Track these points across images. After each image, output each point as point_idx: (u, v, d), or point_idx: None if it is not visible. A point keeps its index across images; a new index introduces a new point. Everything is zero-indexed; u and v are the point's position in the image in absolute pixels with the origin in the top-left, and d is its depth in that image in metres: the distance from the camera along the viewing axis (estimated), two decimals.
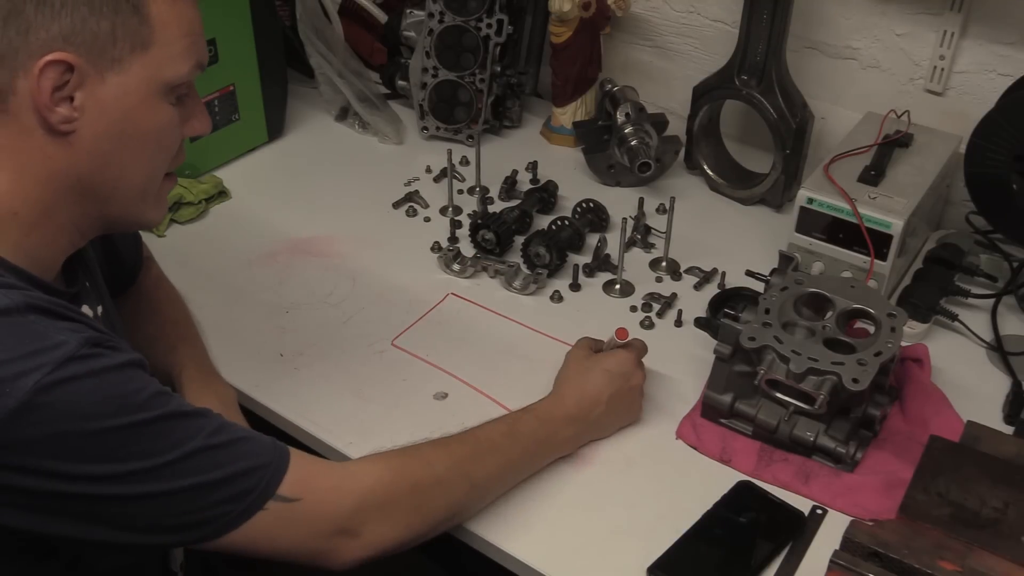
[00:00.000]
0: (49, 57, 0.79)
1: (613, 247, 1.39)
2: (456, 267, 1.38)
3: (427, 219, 1.51)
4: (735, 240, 1.46)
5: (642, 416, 1.15)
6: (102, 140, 0.84)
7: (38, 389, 0.74)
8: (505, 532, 1.02)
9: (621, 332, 1.14)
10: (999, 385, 1.20)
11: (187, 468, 0.81)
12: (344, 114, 1.75)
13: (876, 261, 1.26)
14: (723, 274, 1.38)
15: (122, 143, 0.85)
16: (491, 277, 1.38)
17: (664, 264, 1.40)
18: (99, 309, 0.97)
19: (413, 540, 0.94)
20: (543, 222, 1.45)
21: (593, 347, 1.16)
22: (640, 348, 1.16)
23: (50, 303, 0.80)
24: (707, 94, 1.53)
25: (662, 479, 1.08)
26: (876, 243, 1.25)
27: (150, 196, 0.92)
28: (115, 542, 0.81)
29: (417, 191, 1.55)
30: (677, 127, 1.61)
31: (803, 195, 1.29)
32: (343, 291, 1.35)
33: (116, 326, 1.02)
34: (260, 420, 1.17)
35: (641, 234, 1.45)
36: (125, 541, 0.81)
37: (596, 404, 1.09)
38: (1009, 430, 1.12)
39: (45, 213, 0.85)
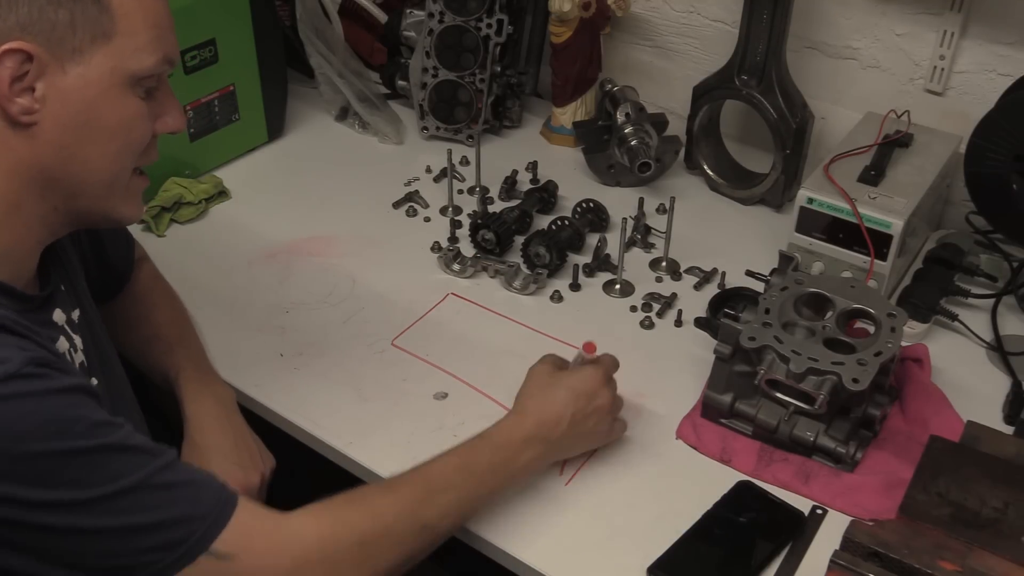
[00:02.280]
0: (6, 46, 0.78)
1: (613, 247, 1.39)
2: (456, 267, 1.38)
3: (427, 219, 1.51)
4: (735, 240, 1.46)
5: (619, 437, 1.11)
6: (65, 132, 0.83)
7: None
8: (505, 532, 1.02)
9: (588, 346, 1.08)
10: (999, 385, 1.20)
11: (119, 506, 0.77)
12: (344, 114, 1.75)
13: (876, 261, 1.26)
14: (723, 274, 1.38)
15: (85, 135, 0.84)
16: (491, 277, 1.38)
17: (664, 264, 1.40)
18: (75, 314, 0.95)
19: None
20: (543, 222, 1.45)
21: (558, 364, 1.10)
22: (609, 364, 1.09)
23: (2, 317, 0.77)
24: (707, 94, 1.53)
25: (662, 479, 1.08)
26: (876, 243, 1.25)
27: (118, 191, 0.89)
28: (32, 575, 0.77)
29: (417, 191, 1.55)
30: (677, 127, 1.61)
31: (803, 195, 1.29)
32: (343, 291, 1.35)
33: (96, 330, 1.00)
34: (260, 420, 1.17)
35: (641, 234, 1.45)
36: (43, 575, 0.77)
37: (558, 424, 1.03)
38: (1009, 430, 1.12)
39: (10, 208, 0.84)
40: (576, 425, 1.04)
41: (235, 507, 0.83)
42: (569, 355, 1.23)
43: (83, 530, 0.76)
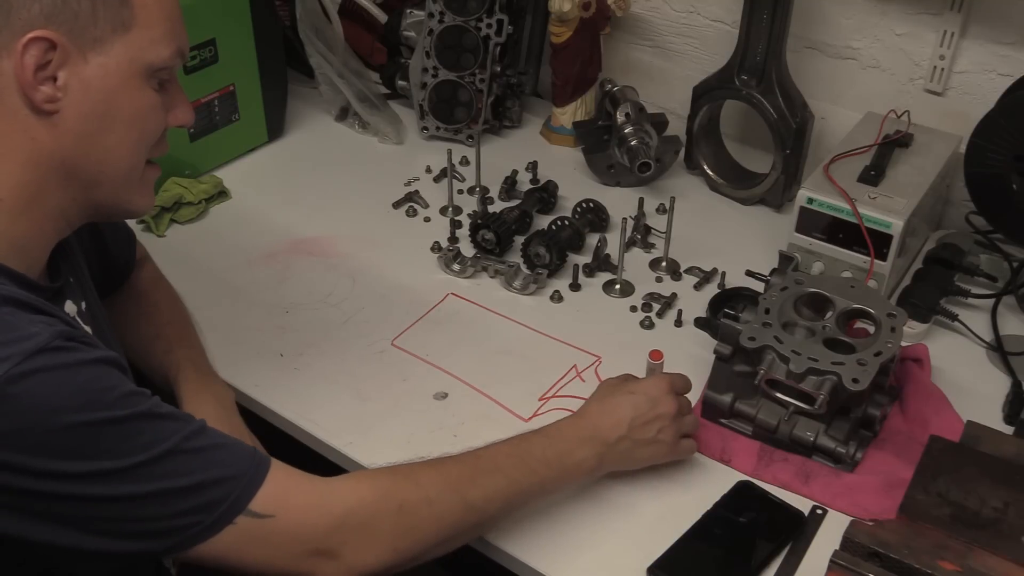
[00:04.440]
0: (31, 34, 0.80)
1: (613, 247, 1.39)
2: (456, 267, 1.38)
3: (427, 219, 1.51)
4: (735, 240, 1.46)
5: (687, 456, 1.08)
6: (86, 121, 0.84)
7: (6, 380, 0.72)
8: (506, 532, 1.01)
9: (655, 354, 1.08)
10: (999, 385, 1.20)
11: (155, 472, 0.78)
12: (344, 114, 1.75)
13: (876, 261, 1.26)
14: (723, 274, 1.38)
15: (105, 125, 0.86)
16: (491, 277, 1.38)
17: (664, 264, 1.40)
18: (83, 305, 0.97)
19: (402, 564, 0.89)
20: (543, 222, 1.45)
21: (629, 378, 1.09)
22: (676, 378, 1.07)
23: (27, 297, 0.79)
24: (707, 94, 1.53)
25: (662, 479, 1.08)
26: (876, 243, 1.25)
27: (134, 182, 0.91)
28: (76, 546, 0.79)
29: (417, 191, 1.55)
30: (677, 127, 1.61)
31: (803, 195, 1.29)
32: (343, 291, 1.35)
33: (101, 322, 1.01)
34: (260, 420, 1.17)
35: (641, 234, 1.45)
36: (86, 546, 0.79)
37: (616, 427, 1.01)
38: (1009, 430, 1.12)
39: (31, 199, 0.85)
40: (636, 431, 1.02)
41: (269, 468, 0.84)
42: (568, 355, 1.23)
43: (121, 497, 0.78)
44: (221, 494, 0.81)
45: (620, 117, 1.54)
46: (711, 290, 1.36)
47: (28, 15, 0.80)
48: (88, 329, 0.95)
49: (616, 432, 1.01)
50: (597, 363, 1.24)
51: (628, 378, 1.09)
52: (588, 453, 1.00)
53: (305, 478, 0.88)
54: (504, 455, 0.97)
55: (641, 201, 1.48)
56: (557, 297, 1.35)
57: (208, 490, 0.80)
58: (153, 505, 0.79)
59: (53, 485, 0.75)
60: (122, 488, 0.77)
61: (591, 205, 1.47)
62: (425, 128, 1.70)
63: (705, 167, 1.58)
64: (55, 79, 0.82)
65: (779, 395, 1.06)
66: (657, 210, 1.52)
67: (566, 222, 1.42)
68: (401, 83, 1.76)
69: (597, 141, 1.59)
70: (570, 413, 1.06)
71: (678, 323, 1.30)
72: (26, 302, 0.79)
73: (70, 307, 0.94)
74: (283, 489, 0.84)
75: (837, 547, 0.93)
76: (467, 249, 1.42)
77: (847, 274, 1.28)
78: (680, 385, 1.08)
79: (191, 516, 0.80)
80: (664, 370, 1.10)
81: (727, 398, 1.12)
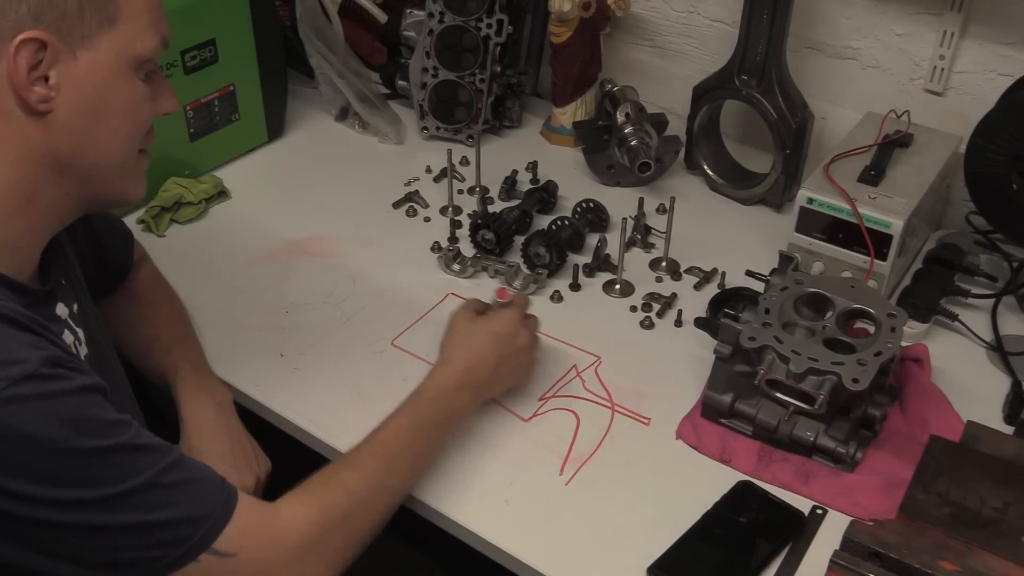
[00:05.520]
0: (23, 36, 0.80)
1: (613, 247, 1.39)
2: (456, 267, 1.38)
3: (427, 219, 1.51)
4: (735, 240, 1.46)
5: (530, 379, 1.18)
6: (79, 117, 0.85)
7: None
8: (506, 532, 1.02)
9: (501, 292, 1.19)
10: (999, 385, 1.20)
11: (129, 504, 0.79)
12: (344, 114, 1.75)
13: (876, 261, 1.26)
14: (723, 274, 1.38)
15: (98, 119, 0.86)
16: (491, 277, 1.38)
17: (664, 264, 1.40)
18: (74, 307, 0.97)
19: (344, 567, 0.93)
20: (543, 222, 1.45)
21: (478, 309, 1.17)
22: (523, 304, 1.17)
23: (15, 312, 0.78)
24: (707, 94, 1.53)
25: (662, 479, 1.08)
26: (876, 243, 1.25)
27: (128, 172, 0.92)
28: (39, 570, 0.79)
29: (417, 191, 1.55)
30: (677, 127, 1.61)
31: (803, 195, 1.29)
32: (343, 291, 1.35)
33: (93, 324, 1.01)
34: (260, 420, 1.17)
35: (641, 234, 1.45)
36: (49, 571, 0.79)
37: (483, 367, 1.10)
38: (1009, 430, 1.12)
39: (25, 198, 0.85)
40: (501, 366, 1.11)
41: (235, 505, 0.85)
42: (568, 355, 1.23)
43: (93, 527, 0.78)
44: (189, 532, 0.81)
45: (620, 117, 1.54)
46: (711, 290, 1.36)
47: (16, 16, 0.80)
48: (81, 332, 0.95)
49: (484, 373, 1.10)
50: (597, 363, 1.24)
51: (478, 309, 1.17)
52: (466, 398, 1.09)
53: (263, 512, 0.89)
54: (404, 430, 1.02)
55: (641, 201, 1.48)
56: (557, 297, 1.35)
57: (178, 527, 0.81)
58: (122, 536, 0.79)
59: (27, 509, 0.75)
60: (94, 518, 0.78)
61: (591, 205, 1.47)
62: (425, 128, 1.70)
63: (705, 167, 1.58)
64: (47, 79, 0.82)
65: (779, 395, 1.06)
66: (657, 210, 1.52)
67: (566, 222, 1.42)
68: (401, 83, 1.76)
69: (597, 141, 1.59)
70: (433, 364, 1.11)
71: (678, 323, 1.30)
72: (14, 319, 0.78)
73: (61, 309, 0.93)
74: (246, 528, 0.85)
75: (837, 547, 0.94)
76: (467, 249, 1.42)
77: (847, 274, 1.28)
78: (525, 306, 1.18)
79: (158, 550, 0.80)
80: None
81: (727, 398, 1.12)
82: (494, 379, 1.11)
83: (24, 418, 0.74)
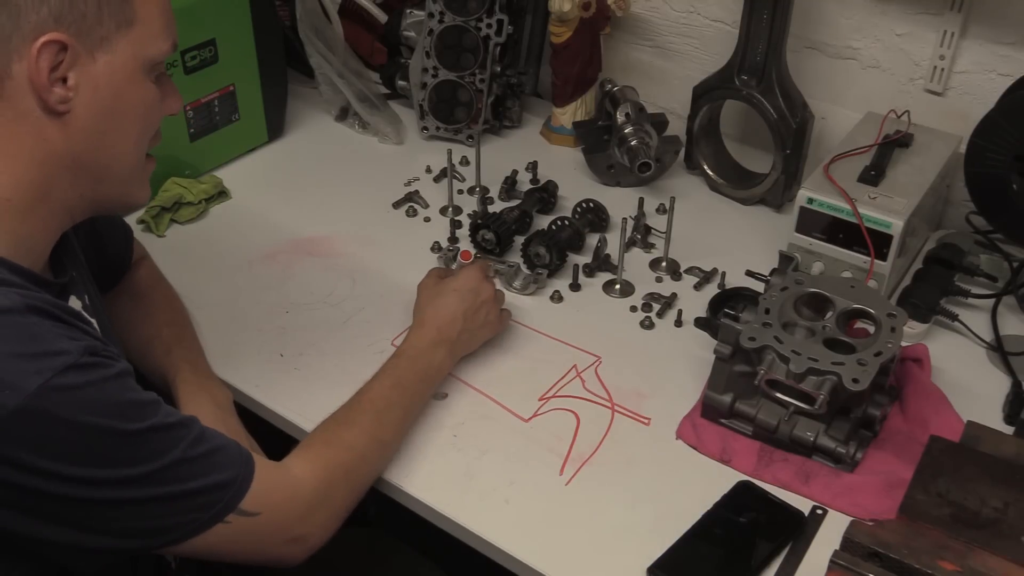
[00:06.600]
0: (45, 38, 0.81)
1: (613, 247, 1.39)
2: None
3: (427, 219, 1.51)
4: (735, 240, 1.46)
5: (507, 327, 1.25)
6: (96, 118, 0.86)
7: (39, 393, 0.75)
8: (506, 532, 1.02)
9: (465, 254, 1.29)
10: (999, 385, 1.20)
11: (168, 476, 0.83)
12: (344, 114, 1.75)
13: (876, 261, 1.26)
14: (723, 274, 1.38)
15: (114, 121, 0.88)
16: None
17: (664, 264, 1.40)
18: (86, 299, 0.99)
19: (346, 517, 0.99)
20: (543, 222, 1.45)
21: (441, 274, 1.24)
22: (483, 262, 1.26)
23: (46, 303, 0.81)
24: (707, 94, 1.53)
25: (662, 479, 1.08)
26: (876, 243, 1.25)
27: (137, 175, 0.94)
28: (74, 543, 0.82)
29: (417, 191, 1.55)
30: (677, 127, 1.61)
31: (803, 195, 1.29)
32: (343, 291, 1.35)
33: (103, 316, 1.02)
34: (260, 420, 1.17)
35: (641, 234, 1.45)
36: (85, 543, 0.82)
37: (454, 323, 1.16)
38: (1009, 430, 1.12)
39: (39, 196, 0.87)
40: (469, 320, 1.18)
41: (255, 467, 0.90)
42: (568, 355, 1.23)
43: (136, 501, 0.82)
44: (219, 496, 0.86)
45: (620, 117, 1.54)
46: (711, 290, 1.36)
47: (37, 18, 0.81)
48: (95, 323, 0.97)
49: (455, 327, 1.16)
50: (597, 363, 1.24)
51: (441, 274, 1.24)
52: (442, 354, 1.15)
53: (278, 472, 0.95)
54: (389, 388, 1.08)
55: (641, 201, 1.48)
56: (557, 297, 1.35)
57: (208, 493, 0.86)
58: (157, 507, 0.83)
59: (73, 489, 0.79)
60: (137, 493, 0.82)
61: (591, 205, 1.47)
62: (425, 128, 1.70)
63: (705, 167, 1.58)
64: (66, 80, 0.84)
65: (779, 395, 1.06)
66: (657, 210, 1.52)
67: (566, 222, 1.42)
68: (401, 83, 1.76)
69: (597, 141, 1.59)
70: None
71: (678, 323, 1.30)
72: (48, 311, 0.81)
73: (75, 302, 0.95)
74: (266, 487, 0.90)
75: (837, 547, 0.94)
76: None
77: (847, 274, 1.28)
78: (487, 268, 1.25)
79: (189, 515, 0.85)
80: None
81: (727, 398, 1.12)
82: (466, 332, 1.17)
83: (70, 407, 0.77)
